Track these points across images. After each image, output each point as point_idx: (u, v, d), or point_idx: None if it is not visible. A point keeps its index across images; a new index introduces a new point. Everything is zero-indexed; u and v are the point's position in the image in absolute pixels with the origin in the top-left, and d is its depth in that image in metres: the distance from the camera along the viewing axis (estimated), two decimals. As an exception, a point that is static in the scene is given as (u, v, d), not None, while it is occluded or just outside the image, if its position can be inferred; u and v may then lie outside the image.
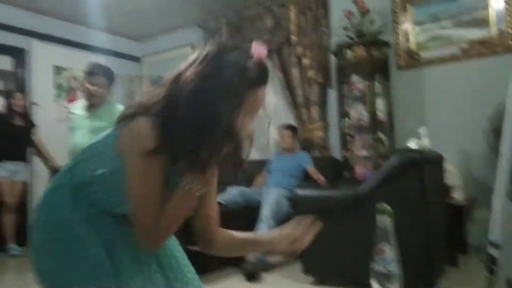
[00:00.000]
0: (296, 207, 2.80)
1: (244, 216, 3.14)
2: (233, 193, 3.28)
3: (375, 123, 3.28)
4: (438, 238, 2.48)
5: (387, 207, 0.83)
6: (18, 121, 3.74)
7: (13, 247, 3.60)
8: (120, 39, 5.08)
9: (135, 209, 0.94)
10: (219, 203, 3.07)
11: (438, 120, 3.26)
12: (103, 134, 1.02)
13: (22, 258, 3.47)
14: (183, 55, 4.86)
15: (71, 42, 4.51)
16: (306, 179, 3.50)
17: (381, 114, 3.30)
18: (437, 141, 2.96)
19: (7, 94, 3.89)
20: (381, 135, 3.30)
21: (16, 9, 4.06)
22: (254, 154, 4.41)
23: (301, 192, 2.72)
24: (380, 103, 3.31)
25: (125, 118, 0.96)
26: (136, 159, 0.91)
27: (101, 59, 4.82)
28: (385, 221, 0.83)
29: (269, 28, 4.07)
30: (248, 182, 3.69)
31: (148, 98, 0.97)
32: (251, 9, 4.21)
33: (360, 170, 3.34)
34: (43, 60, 4.29)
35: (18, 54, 4.18)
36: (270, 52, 4.09)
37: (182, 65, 0.98)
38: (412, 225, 2.13)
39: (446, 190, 2.89)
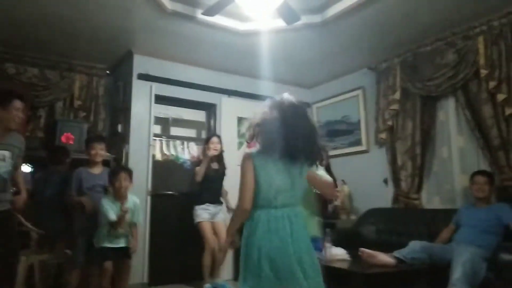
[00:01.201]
0: (501, 273, 2.31)
1: (429, 276, 2.76)
2: (415, 248, 2.94)
3: None
4: None
5: None
6: (215, 165, 3.98)
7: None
8: (291, 87, 5.39)
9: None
10: (398, 259, 2.81)
11: None
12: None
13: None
14: (353, 99, 4.83)
15: (250, 95, 5.02)
16: (507, 236, 2.89)
17: None
18: None
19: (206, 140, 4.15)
20: None
21: (209, 71, 4.77)
22: (437, 203, 3.94)
23: (508, 256, 2.23)
24: None
25: None
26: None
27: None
28: None
29: (451, 63, 3.68)
30: (431, 236, 3.28)
31: None
32: (429, 45, 3.91)
33: None
34: (229, 112, 4.88)
35: (210, 108, 4.88)
36: (454, 90, 3.69)
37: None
38: None
39: None
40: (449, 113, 3.92)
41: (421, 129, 3.99)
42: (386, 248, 2.96)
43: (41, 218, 3.33)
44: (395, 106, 4.21)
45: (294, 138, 1.69)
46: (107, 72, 4.71)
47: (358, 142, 4.75)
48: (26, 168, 3.69)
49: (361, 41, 4.05)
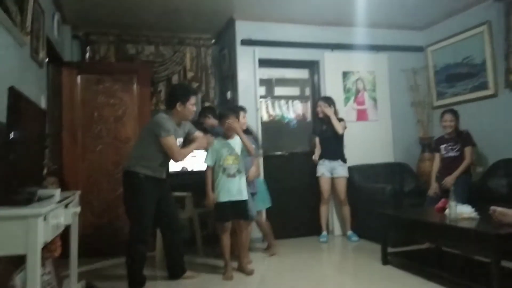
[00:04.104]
0: None
1: None
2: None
3: None
4: None
5: None
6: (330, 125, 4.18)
7: (352, 235, 4.17)
8: (401, 32, 4.94)
9: None
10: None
11: None
12: None
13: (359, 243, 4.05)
14: (476, 36, 4.24)
15: (354, 46, 4.75)
16: None
17: None
18: None
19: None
20: None
21: (309, 26, 4.61)
22: None
23: None
24: None
25: None
26: None
27: (382, 57, 4.87)
28: None
29: None
30: None
31: None
32: None
33: None
34: (333, 67, 4.72)
35: (313, 66, 4.78)
36: None
37: None
38: None
39: None
40: None
41: None
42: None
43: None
44: (531, 40, 3.58)
45: None
46: (213, 41, 4.91)
47: (484, 86, 4.20)
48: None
49: (486, -33, 3.46)
